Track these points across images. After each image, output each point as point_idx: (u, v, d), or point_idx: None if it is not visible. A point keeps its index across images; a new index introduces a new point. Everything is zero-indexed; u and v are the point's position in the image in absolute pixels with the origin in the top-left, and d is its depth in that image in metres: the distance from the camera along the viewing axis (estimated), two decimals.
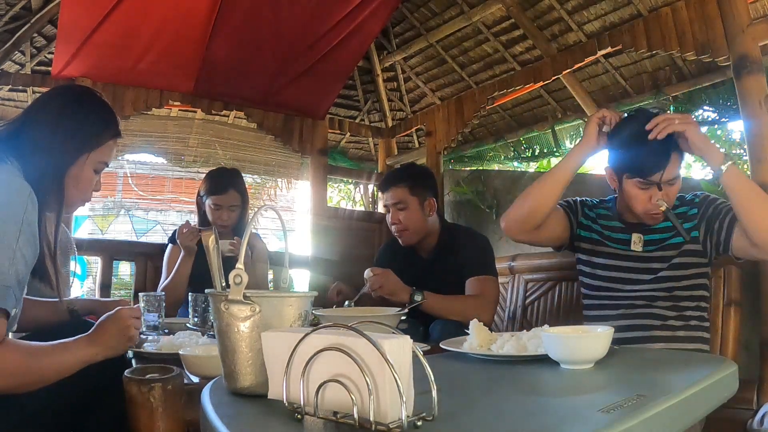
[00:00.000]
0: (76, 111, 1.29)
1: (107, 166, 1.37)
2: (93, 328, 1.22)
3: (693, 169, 5.58)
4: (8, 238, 1.04)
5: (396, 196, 2.17)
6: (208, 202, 2.49)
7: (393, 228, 2.20)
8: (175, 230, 2.58)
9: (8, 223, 1.05)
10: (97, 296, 2.86)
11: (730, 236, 1.54)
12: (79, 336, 1.19)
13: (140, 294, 1.84)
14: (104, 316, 1.25)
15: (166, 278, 2.45)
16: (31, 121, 1.25)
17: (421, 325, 1.97)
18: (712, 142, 1.53)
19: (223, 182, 2.49)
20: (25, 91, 3.42)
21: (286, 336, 0.70)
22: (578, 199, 1.86)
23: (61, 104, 1.29)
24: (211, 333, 1.56)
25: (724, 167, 1.46)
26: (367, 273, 1.93)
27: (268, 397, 0.71)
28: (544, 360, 1.03)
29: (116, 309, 1.28)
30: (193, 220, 2.68)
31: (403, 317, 1.66)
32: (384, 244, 2.48)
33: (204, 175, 2.65)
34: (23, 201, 1.08)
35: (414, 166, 2.63)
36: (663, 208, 1.55)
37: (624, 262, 1.68)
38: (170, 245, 2.54)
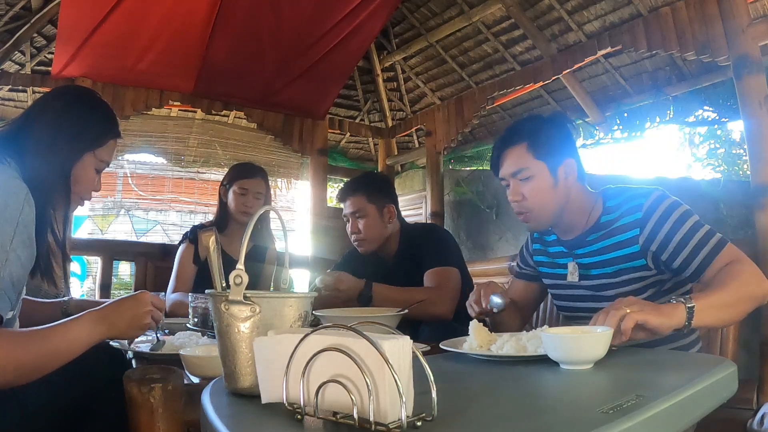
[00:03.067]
0: (78, 111, 1.30)
1: (108, 166, 1.38)
2: (107, 304, 1.18)
3: (693, 168, 5.52)
4: (2, 240, 1.03)
5: (354, 206, 2.15)
6: (233, 188, 2.42)
7: (352, 237, 2.18)
8: (193, 227, 2.51)
9: (2, 224, 1.04)
10: (97, 296, 2.86)
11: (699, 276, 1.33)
12: (83, 313, 1.13)
13: None
14: (126, 296, 1.22)
15: (176, 280, 2.35)
16: (33, 122, 1.25)
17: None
18: (666, 305, 1.15)
19: (253, 169, 2.50)
20: (25, 91, 3.42)
21: (279, 339, 0.70)
22: (528, 239, 1.75)
23: (64, 104, 1.29)
24: (211, 333, 1.56)
25: (691, 304, 1.14)
26: (319, 281, 1.87)
27: (262, 402, 0.71)
28: (543, 360, 1.03)
29: (140, 291, 1.24)
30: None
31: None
32: (347, 252, 2.40)
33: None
34: (19, 202, 1.08)
35: (371, 175, 2.59)
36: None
37: (577, 291, 1.54)
38: (184, 244, 2.42)
